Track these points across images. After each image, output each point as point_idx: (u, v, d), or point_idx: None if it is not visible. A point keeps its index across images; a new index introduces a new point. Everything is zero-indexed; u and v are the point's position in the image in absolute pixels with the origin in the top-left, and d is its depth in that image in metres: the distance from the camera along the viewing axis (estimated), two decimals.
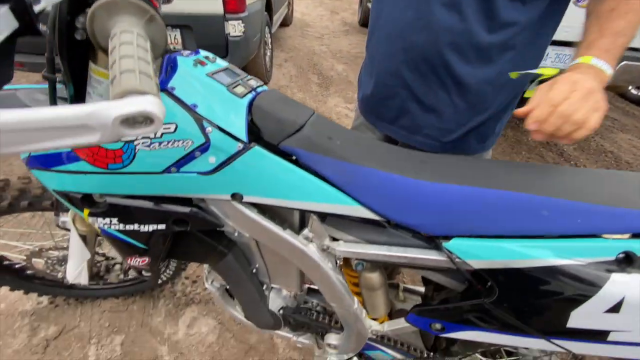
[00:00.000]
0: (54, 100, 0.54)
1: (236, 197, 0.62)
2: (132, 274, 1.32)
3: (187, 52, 0.65)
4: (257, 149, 0.58)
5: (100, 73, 0.52)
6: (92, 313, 1.44)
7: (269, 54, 3.63)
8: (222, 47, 2.51)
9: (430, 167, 0.62)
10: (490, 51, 0.72)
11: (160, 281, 1.43)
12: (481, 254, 0.57)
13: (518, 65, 0.74)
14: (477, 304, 0.61)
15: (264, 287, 0.87)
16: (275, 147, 0.61)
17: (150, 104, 0.27)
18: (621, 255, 0.52)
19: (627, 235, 0.53)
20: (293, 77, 3.93)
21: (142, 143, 0.55)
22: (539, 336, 0.59)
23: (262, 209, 0.67)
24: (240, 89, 0.61)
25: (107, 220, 0.64)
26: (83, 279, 1.01)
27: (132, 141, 0.55)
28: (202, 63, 0.62)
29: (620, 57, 0.59)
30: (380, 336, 0.90)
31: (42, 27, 0.43)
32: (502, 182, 0.57)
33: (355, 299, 0.77)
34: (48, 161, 0.57)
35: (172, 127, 0.55)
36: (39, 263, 1.21)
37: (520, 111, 0.55)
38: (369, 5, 5.44)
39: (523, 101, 0.64)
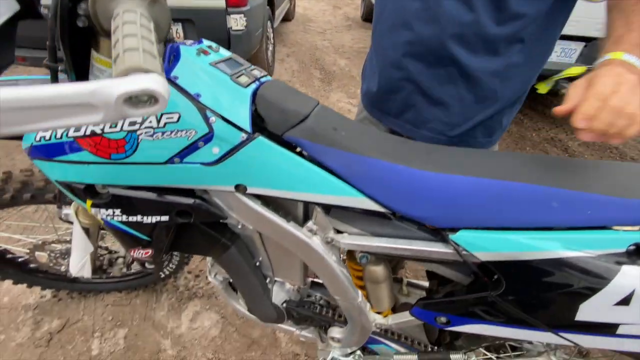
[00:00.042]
0: None
1: (240, 188, 0.62)
2: (135, 267, 1.32)
3: (190, 41, 0.64)
4: (261, 139, 0.57)
5: (103, 61, 0.51)
6: (95, 307, 1.45)
7: (271, 48, 3.61)
8: (224, 41, 2.49)
9: (437, 158, 0.61)
10: (498, 43, 0.71)
11: (162, 275, 1.43)
12: (488, 246, 0.56)
13: (526, 58, 0.73)
14: (484, 296, 0.60)
15: (267, 280, 0.87)
16: (280, 137, 0.60)
17: (155, 82, 0.26)
18: (632, 247, 0.51)
19: (637, 227, 0.52)
20: (295, 72, 3.91)
21: (145, 133, 0.54)
22: (546, 329, 0.59)
23: (266, 201, 0.66)
24: (244, 79, 0.60)
25: (110, 211, 0.64)
26: (86, 272, 1.01)
27: (135, 131, 0.54)
28: (205, 52, 0.61)
29: None
30: (384, 330, 0.89)
31: (44, 10, 0.42)
32: (511, 173, 0.56)
33: (359, 292, 0.76)
34: (50, 151, 0.57)
35: (175, 117, 0.54)
36: (42, 256, 1.21)
37: (561, 109, 0.51)
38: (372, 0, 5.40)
39: (531, 95, 0.61)
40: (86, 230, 0.94)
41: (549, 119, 3.43)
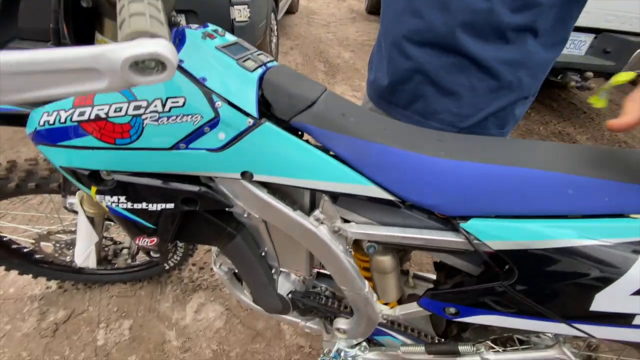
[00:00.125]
0: None
1: (246, 175, 0.60)
2: (140, 258, 1.32)
3: (195, 25, 0.62)
4: (267, 125, 0.56)
5: (107, 44, 0.50)
6: (100, 298, 1.45)
7: (274, 41, 3.58)
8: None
9: (448, 145, 0.59)
10: (511, 32, 0.69)
11: (167, 267, 1.43)
12: (501, 234, 0.54)
13: (541, 47, 0.71)
14: (495, 286, 0.59)
15: (273, 270, 0.86)
16: (287, 123, 0.58)
17: (163, 46, 0.25)
18: None
19: None
20: (299, 65, 3.89)
21: (150, 117, 0.53)
22: (559, 320, 0.57)
23: (272, 189, 0.65)
24: (250, 63, 0.58)
25: (115, 198, 0.63)
26: (91, 263, 1.01)
27: (140, 115, 0.53)
28: (210, 36, 0.59)
29: None
30: (390, 321, 0.89)
31: None
32: (524, 160, 0.55)
33: (366, 282, 0.75)
34: (54, 136, 0.56)
35: (181, 101, 0.53)
36: (47, 247, 1.21)
37: (618, 124, 0.47)
38: None
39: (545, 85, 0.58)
40: (91, 220, 0.93)
41: (557, 112, 3.39)
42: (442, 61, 0.75)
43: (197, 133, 0.55)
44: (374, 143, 0.57)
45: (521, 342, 0.92)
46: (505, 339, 0.95)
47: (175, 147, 0.56)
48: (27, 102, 0.55)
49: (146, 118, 0.53)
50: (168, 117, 0.53)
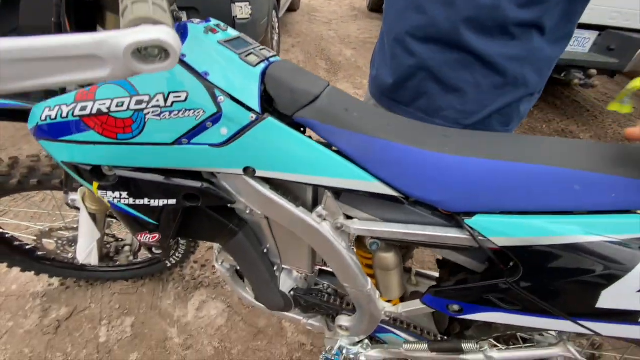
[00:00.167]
0: None
1: (248, 171, 0.60)
2: (142, 256, 1.32)
3: (197, 20, 0.62)
4: (270, 120, 0.56)
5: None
6: (102, 295, 1.45)
7: (276, 38, 3.57)
8: None
9: (453, 141, 0.59)
10: (517, 28, 0.68)
11: (169, 265, 1.43)
12: (506, 231, 0.54)
13: (546, 44, 0.70)
14: (499, 283, 0.58)
15: (275, 267, 0.86)
16: (289, 118, 0.58)
17: (166, 33, 0.24)
18: None
19: None
20: (301, 63, 3.88)
21: (152, 112, 0.53)
22: (564, 317, 0.57)
23: (275, 185, 0.64)
24: (252, 58, 0.58)
25: (117, 194, 0.63)
26: (93, 259, 1.01)
27: (142, 110, 0.52)
28: (213, 31, 0.59)
29: None
30: (393, 319, 0.88)
31: None
32: (529, 156, 0.54)
33: (369, 279, 0.75)
34: (56, 131, 0.56)
35: (183, 96, 0.52)
36: (49, 244, 1.21)
37: (635, 132, 0.47)
38: None
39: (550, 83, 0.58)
40: (93, 217, 0.93)
41: (560, 110, 3.37)
42: (446, 57, 0.75)
43: (200, 128, 0.54)
44: (377, 138, 0.57)
45: (524, 341, 0.92)
46: (508, 337, 0.95)
47: (177, 142, 0.56)
48: (28, 91, 0.55)
49: (148, 113, 0.53)
50: (170, 112, 0.53)
